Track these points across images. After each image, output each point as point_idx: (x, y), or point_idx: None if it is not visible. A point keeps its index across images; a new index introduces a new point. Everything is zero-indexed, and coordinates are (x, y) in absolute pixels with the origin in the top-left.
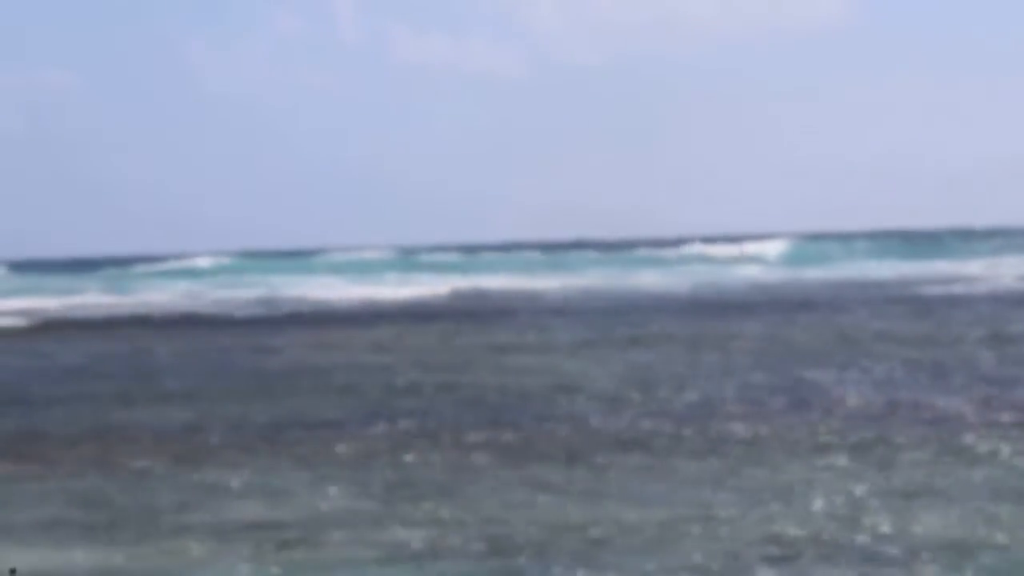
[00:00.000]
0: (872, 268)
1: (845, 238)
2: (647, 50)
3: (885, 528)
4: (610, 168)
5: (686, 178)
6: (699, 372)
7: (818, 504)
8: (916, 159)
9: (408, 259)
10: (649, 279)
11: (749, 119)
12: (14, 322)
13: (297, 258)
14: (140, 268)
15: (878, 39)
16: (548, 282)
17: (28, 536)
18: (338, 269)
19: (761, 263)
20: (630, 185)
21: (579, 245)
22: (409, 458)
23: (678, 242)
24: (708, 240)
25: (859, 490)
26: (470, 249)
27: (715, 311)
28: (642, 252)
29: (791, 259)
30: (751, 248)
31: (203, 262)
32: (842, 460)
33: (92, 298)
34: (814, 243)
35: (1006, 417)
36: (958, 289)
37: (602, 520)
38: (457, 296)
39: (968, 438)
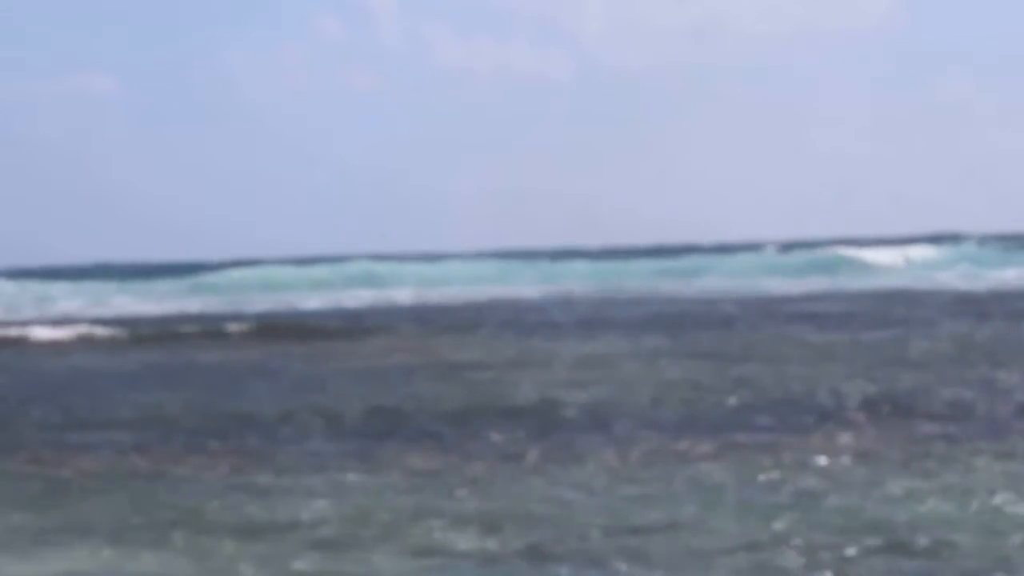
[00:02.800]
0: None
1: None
2: (693, 53)
3: None
4: (658, 172)
5: (735, 182)
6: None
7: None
8: (968, 160)
9: (454, 265)
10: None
11: (796, 121)
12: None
13: (353, 263)
14: (204, 276)
15: (925, 40)
16: (664, 286)
17: (70, 539)
18: (389, 276)
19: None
20: (678, 190)
21: (655, 251)
22: (476, 468)
23: (791, 246)
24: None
25: None
26: (555, 255)
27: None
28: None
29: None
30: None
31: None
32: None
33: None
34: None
35: None
36: None
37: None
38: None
39: None
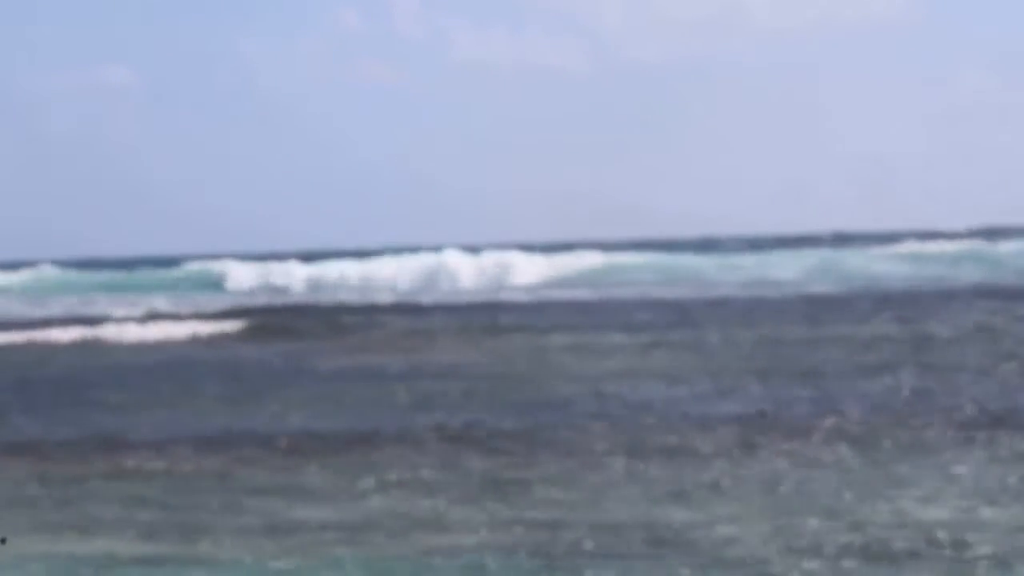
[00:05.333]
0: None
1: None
2: (710, 46)
3: None
4: (675, 166)
5: (749, 176)
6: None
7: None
8: (985, 157)
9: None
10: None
11: (811, 115)
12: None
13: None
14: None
15: (940, 34)
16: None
17: (85, 530)
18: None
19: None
20: (696, 184)
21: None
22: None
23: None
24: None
25: None
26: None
27: None
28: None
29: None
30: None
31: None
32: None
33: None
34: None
35: None
36: None
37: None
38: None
39: None
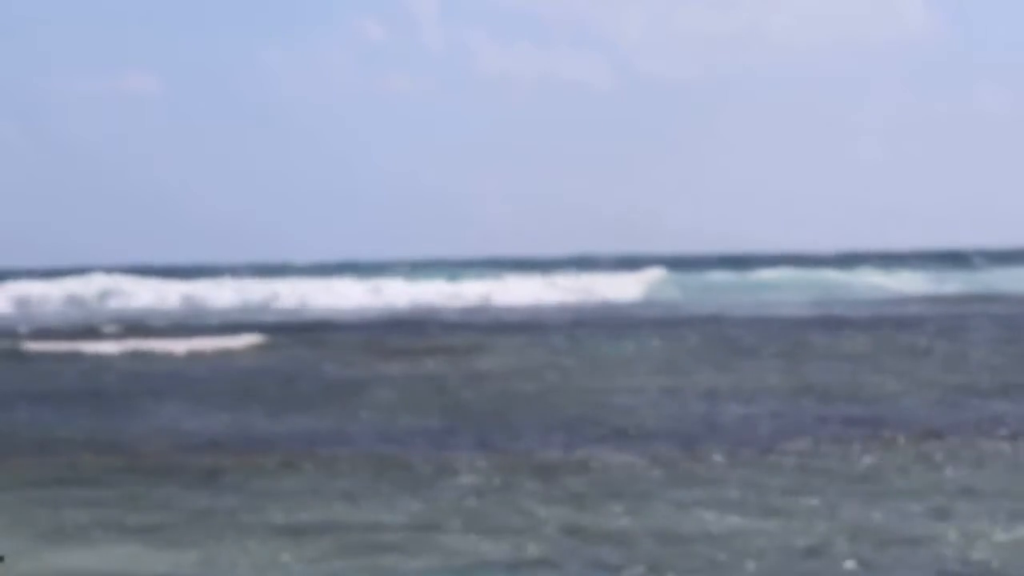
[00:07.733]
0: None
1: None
2: (732, 62)
3: None
4: (696, 181)
5: (771, 190)
6: None
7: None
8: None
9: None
10: None
11: (835, 131)
12: None
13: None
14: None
15: (964, 51)
16: None
17: (100, 537)
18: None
19: None
20: (717, 199)
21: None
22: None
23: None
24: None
25: None
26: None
27: None
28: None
29: None
30: None
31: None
32: None
33: None
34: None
35: None
36: None
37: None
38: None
39: None
